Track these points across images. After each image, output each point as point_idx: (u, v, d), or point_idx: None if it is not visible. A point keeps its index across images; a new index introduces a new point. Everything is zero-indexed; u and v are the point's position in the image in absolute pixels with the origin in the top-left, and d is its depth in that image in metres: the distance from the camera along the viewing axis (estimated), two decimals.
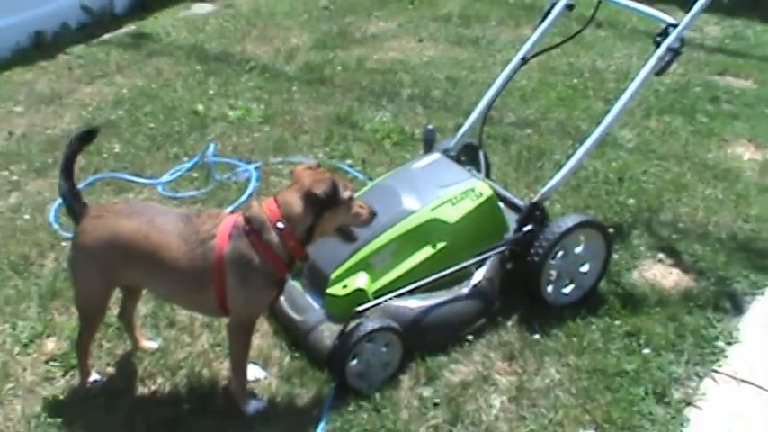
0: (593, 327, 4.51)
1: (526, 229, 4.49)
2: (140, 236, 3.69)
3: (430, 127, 5.21)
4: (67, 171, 3.83)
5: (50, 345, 4.48)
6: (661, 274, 4.99)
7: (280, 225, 3.60)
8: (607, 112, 4.67)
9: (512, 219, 4.63)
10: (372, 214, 3.84)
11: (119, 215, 3.78)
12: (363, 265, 4.36)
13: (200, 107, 7.17)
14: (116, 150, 6.51)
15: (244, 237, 3.63)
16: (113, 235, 3.72)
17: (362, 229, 4.26)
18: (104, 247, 3.73)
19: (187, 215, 3.82)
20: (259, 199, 3.74)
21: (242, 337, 3.87)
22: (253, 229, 3.63)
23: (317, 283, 4.44)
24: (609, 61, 8.16)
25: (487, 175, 5.17)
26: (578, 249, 4.57)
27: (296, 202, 3.63)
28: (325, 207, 3.63)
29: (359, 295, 4.24)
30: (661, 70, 4.61)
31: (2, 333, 4.55)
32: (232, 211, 3.84)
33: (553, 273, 4.55)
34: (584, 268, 4.64)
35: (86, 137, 3.87)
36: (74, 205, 3.87)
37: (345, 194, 3.68)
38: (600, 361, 4.28)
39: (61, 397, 4.14)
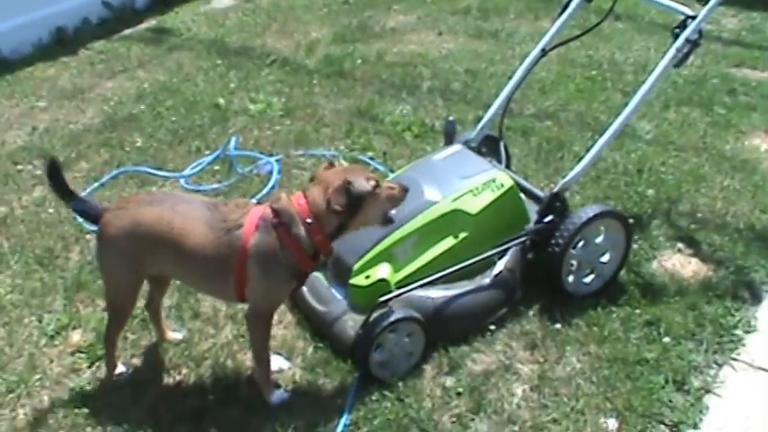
0: (614, 316, 4.55)
1: (547, 219, 4.53)
2: (163, 223, 3.72)
3: (451, 118, 5.23)
4: (63, 191, 3.91)
5: (76, 337, 4.55)
6: (680, 264, 5.02)
7: (309, 221, 3.64)
8: (626, 103, 4.70)
9: (532, 209, 4.66)
10: (404, 190, 3.84)
11: (141, 204, 3.82)
12: (386, 256, 4.40)
13: (222, 101, 7.22)
14: (138, 144, 6.58)
15: (271, 229, 3.66)
16: (136, 223, 3.75)
17: None
18: (128, 236, 3.76)
19: (214, 203, 3.85)
20: (288, 192, 3.77)
21: (261, 327, 3.92)
22: (282, 222, 3.66)
23: (340, 274, 4.48)
24: (627, 53, 8.15)
25: (508, 167, 5.21)
26: (599, 239, 4.60)
27: (323, 205, 3.66)
28: (351, 211, 3.66)
29: (381, 286, 4.27)
30: (679, 62, 4.63)
31: (28, 326, 4.63)
32: (258, 202, 3.86)
33: (574, 263, 4.58)
34: (605, 258, 4.67)
35: (53, 168, 3.93)
36: (88, 214, 3.95)
37: (368, 187, 3.68)
38: (620, 350, 4.32)
39: (88, 388, 4.20)
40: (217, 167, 6.20)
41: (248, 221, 3.70)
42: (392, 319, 4.06)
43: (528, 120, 6.79)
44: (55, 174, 3.91)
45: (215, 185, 5.93)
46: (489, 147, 5.23)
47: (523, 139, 6.44)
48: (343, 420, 3.93)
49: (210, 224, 3.72)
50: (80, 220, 5.37)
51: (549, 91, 7.37)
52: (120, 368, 4.24)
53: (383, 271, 4.35)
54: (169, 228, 3.72)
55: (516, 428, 3.91)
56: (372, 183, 3.71)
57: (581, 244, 4.54)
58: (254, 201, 3.95)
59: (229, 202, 3.88)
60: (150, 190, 5.78)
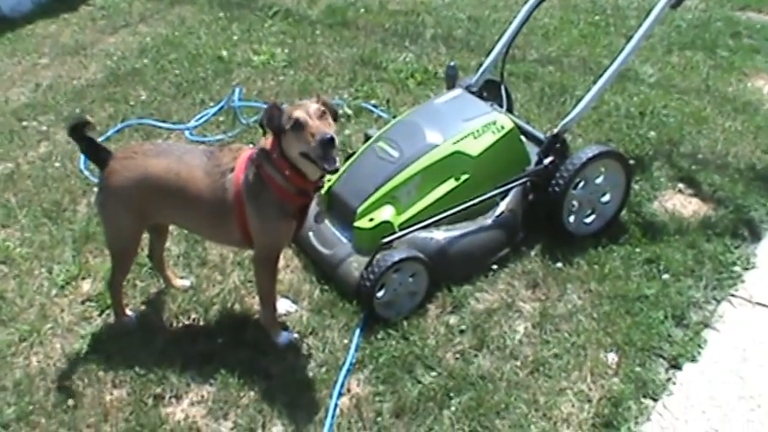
0: (614, 255, 4.60)
1: (547, 160, 4.56)
2: (171, 173, 3.80)
3: (452, 63, 5.24)
4: (78, 136, 3.90)
5: (86, 286, 4.63)
6: (681, 204, 5.07)
7: (274, 155, 3.67)
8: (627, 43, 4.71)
9: (533, 152, 4.70)
10: (325, 140, 3.48)
11: (148, 154, 3.88)
12: (389, 199, 4.45)
13: (225, 53, 7.25)
14: (142, 98, 6.62)
15: (254, 168, 3.72)
16: (145, 174, 3.82)
17: (387, 164, 4.40)
18: (136, 186, 3.83)
19: (211, 150, 3.93)
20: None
21: (267, 270, 3.98)
22: (259, 161, 3.71)
23: (345, 217, 4.54)
24: None
25: (510, 110, 5.24)
26: (599, 180, 4.64)
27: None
28: (275, 133, 3.64)
29: (385, 227, 4.34)
30: (676, 3, 4.65)
31: (38, 277, 4.71)
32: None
33: (575, 203, 4.62)
34: (606, 198, 4.72)
35: (80, 127, 3.90)
36: (96, 156, 3.96)
37: (288, 123, 3.55)
38: (621, 287, 4.39)
39: (99, 335, 4.28)
40: (221, 119, 6.25)
41: (239, 164, 3.77)
42: (396, 259, 4.13)
43: (531, 65, 6.80)
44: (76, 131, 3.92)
45: (219, 136, 5.97)
46: (491, 91, 5.26)
47: (526, 85, 6.47)
48: (350, 358, 4.00)
49: (207, 170, 3.79)
50: (84, 158, 5.47)
51: (552, 37, 7.39)
52: (129, 314, 4.32)
53: (386, 213, 4.42)
54: (176, 177, 3.79)
55: (518, 363, 3.98)
56: (293, 122, 3.54)
57: (581, 184, 4.58)
58: (250, 145, 3.96)
59: (225, 146, 3.96)
60: (155, 141, 5.81)
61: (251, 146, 3.93)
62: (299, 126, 3.53)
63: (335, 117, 3.76)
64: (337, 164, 3.54)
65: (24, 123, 6.39)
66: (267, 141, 3.73)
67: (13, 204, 5.34)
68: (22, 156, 5.93)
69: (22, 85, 7.01)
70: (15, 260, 4.84)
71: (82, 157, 5.69)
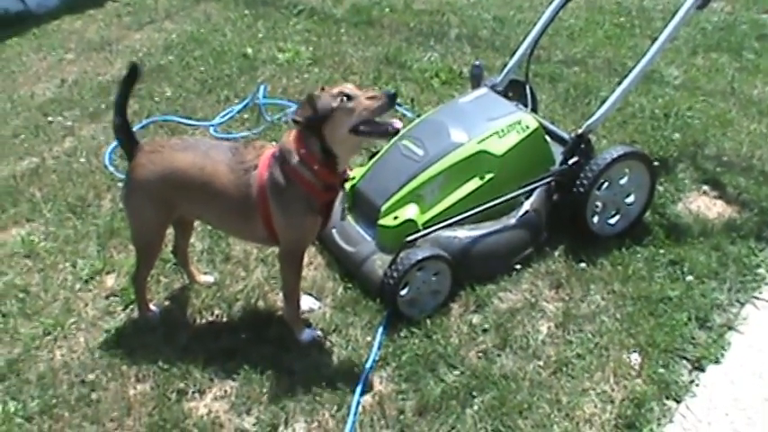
0: (638, 256, 4.58)
1: (572, 160, 4.55)
2: (196, 168, 3.82)
3: (477, 62, 5.25)
4: (121, 108, 3.92)
5: (110, 281, 4.65)
6: (705, 206, 5.03)
7: (302, 151, 3.67)
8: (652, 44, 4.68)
9: (558, 152, 4.69)
10: (390, 96, 3.56)
11: (174, 149, 3.90)
12: (413, 197, 4.45)
13: (250, 50, 7.28)
14: (167, 94, 6.66)
15: (278, 165, 3.73)
16: (171, 168, 3.84)
17: (412, 162, 4.40)
18: (162, 180, 3.85)
19: (236, 146, 3.93)
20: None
21: (292, 266, 3.99)
22: (284, 157, 3.72)
23: (369, 215, 4.55)
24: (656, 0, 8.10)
25: (534, 111, 5.23)
26: (623, 180, 4.62)
27: (300, 129, 3.68)
28: (317, 125, 3.59)
29: (409, 226, 4.33)
30: (703, 4, 4.63)
31: (63, 271, 4.74)
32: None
33: (599, 204, 4.60)
34: (630, 199, 4.69)
35: (133, 74, 3.92)
36: (127, 142, 3.98)
37: (333, 104, 3.55)
38: (644, 288, 4.36)
39: (122, 329, 4.31)
40: (246, 116, 6.28)
41: (262, 161, 3.78)
42: (419, 257, 4.12)
43: (556, 66, 6.79)
44: (130, 81, 3.93)
45: (244, 133, 5.99)
46: (515, 91, 5.26)
47: (551, 86, 6.45)
48: (372, 356, 4.01)
49: (231, 166, 3.80)
50: (114, 146, 5.55)
51: (577, 38, 7.37)
52: (153, 309, 4.34)
53: (411, 211, 4.41)
54: (200, 172, 3.81)
55: (541, 363, 3.97)
56: (337, 102, 3.55)
57: (606, 185, 4.56)
58: (272, 143, 3.96)
59: (249, 143, 3.96)
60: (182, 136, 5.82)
61: (274, 144, 3.93)
62: (348, 99, 3.55)
63: None
64: (399, 124, 3.60)
65: (50, 118, 6.44)
66: (290, 139, 3.73)
67: (38, 199, 5.38)
68: (47, 150, 5.97)
69: (47, 80, 7.07)
70: (40, 254, 4.87)
71: (107, 153, 5.74)
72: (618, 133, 5.72)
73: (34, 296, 4.56)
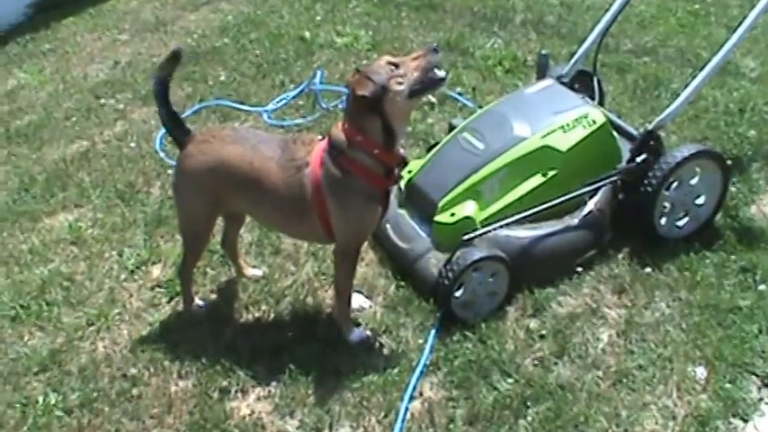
0: (707, 261, 4.38)
1: (640, 158, 4.36)
2: (245, 162, 3.73)
3: (544, 52, 5.10)
4: (162, 97, 3.84)
5: (156, 271, 4.60)
6: None
7: (358, 138, 3.57)
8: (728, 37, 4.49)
9: (626, 148, 4.51)
10: (432, 49, 3.59)
11: (225, 140, 3.81)
12: (472, 193, 4.32)
13: (307, 34, 7.19)
14: (221, 78, 6.60)
15: (332, 159, 3.62)
16: (219, 160, 3.76)
17: (471, 156, 4.28)
18: (210, 171, 3.77)
19: (285, 141, 3.84)
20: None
21: (348, 263, 3.88)
22: (338, 150, 3.61)
23: (425, 210, 4.43)
24: None
25: (601, 104, 5.06)
26: (694, 181, 4.43)
27: (356, 111, 3.58)
28: (380, 102, 3.52)
29: (467, 223, 4.20)
30: None
31: (108, 260, 4.69)
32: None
33: (667, 204, 4.42)
34: (700, 200, 4.50)
35: (173, 60, 3.82)
36: (176, 131, 3.90)
37: (386, 71, 3.53)
38: (713, 296, 4.16)
39: (166, 322, 4.24)
40: (301, 102, 6.18)
41: (314, 158, 3.68)
42: (476, 257, 3.98)
43: (624, 56, 6.59)
44: (170, 67, 3.85)
45: (298, 120, 5.89)
46: (582, 82, 5.09)
47: (619, 76, 6.25)
48: (423, 360, 3.87)
49: (281, 163, 3.71)
50: (160, 139, 5.50)
51: (648, 25, 7.16)
52: (198, 302, 4.26)
53: (469, 208, 4.28)
54: (249, 167, 3.72)
55: (600, 373, 3.80)
56: (389, 59, 3.59)
57: (675, 185, 4.37)
58: (319, 137, 3.85)
59: (297, 138, 3.86)
60: (233, 125, 5.74)
61: (320, 137, 3.81)
62: (396, 67, 3.53)
63: None
64: (443, 73, 3.62)
65: (102, 101, 6.42)
66: (340, 130, 3.63)
67: (87, 184, 5.35)
68: (98, 134, 5.95)
69: (100, 61, 7.06)
70: (87, 241, 4.83)
71: (158, 138, 5.69)
72: (689, 128, 5.50)
73: (79, 285, 4.51)
